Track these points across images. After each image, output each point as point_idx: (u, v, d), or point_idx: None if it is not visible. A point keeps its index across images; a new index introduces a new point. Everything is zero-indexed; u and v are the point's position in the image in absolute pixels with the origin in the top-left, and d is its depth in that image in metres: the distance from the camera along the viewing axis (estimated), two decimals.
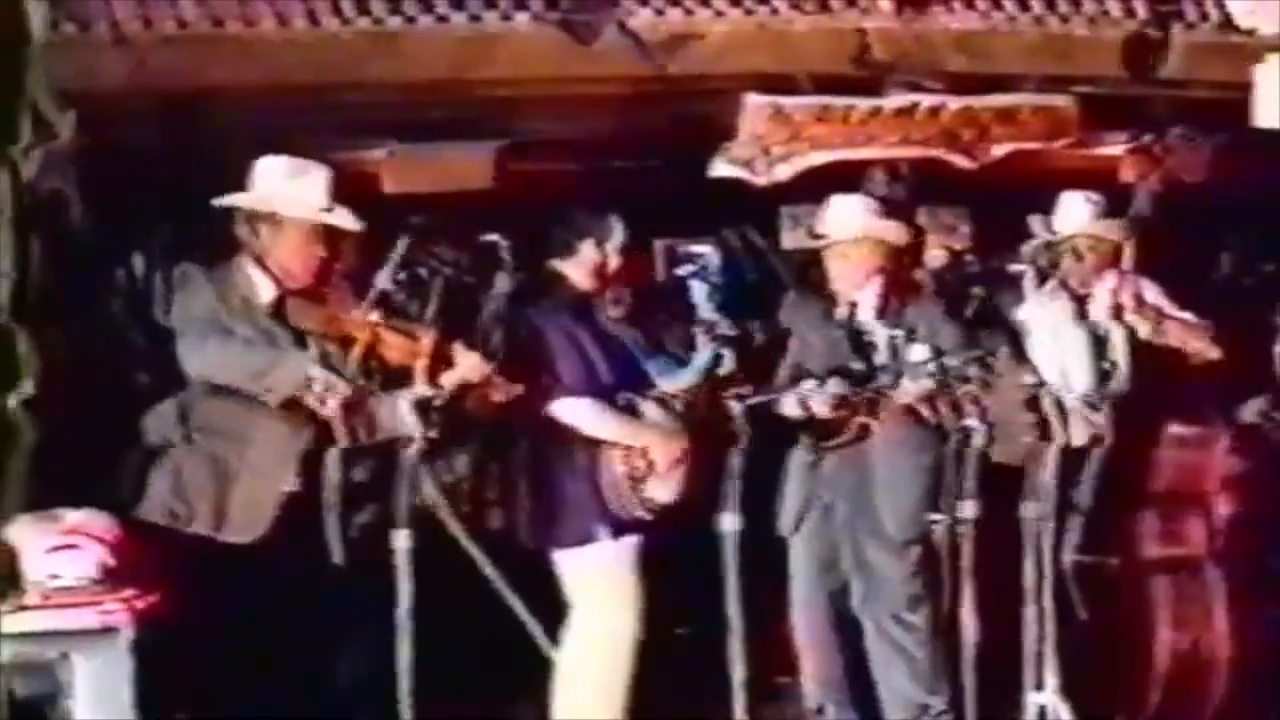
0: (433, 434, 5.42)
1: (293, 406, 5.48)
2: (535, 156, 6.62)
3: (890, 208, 6.45)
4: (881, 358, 6.04)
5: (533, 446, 5.84)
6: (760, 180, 6.72)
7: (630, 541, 5.73)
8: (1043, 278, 6.36)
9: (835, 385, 5.94)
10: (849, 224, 6.24)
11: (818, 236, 6.30)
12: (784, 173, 6.76)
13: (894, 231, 6.29)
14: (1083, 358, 6.21)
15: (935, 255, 6.77)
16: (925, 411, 5.95)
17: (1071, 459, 6.08)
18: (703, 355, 5.85)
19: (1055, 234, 6.37)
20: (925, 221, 6.84)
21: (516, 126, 6.54)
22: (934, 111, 6.70)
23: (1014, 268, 6.39)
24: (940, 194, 6.98)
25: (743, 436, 5.73)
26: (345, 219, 5.63)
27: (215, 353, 5.52)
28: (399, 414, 5.43)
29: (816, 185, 6.63)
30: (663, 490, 5.72)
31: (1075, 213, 6.43)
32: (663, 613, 5.79)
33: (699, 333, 6.01)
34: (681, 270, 6.87)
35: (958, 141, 6.74)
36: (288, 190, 5.60)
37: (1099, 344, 6.24)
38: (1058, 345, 6.22)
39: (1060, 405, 6.01)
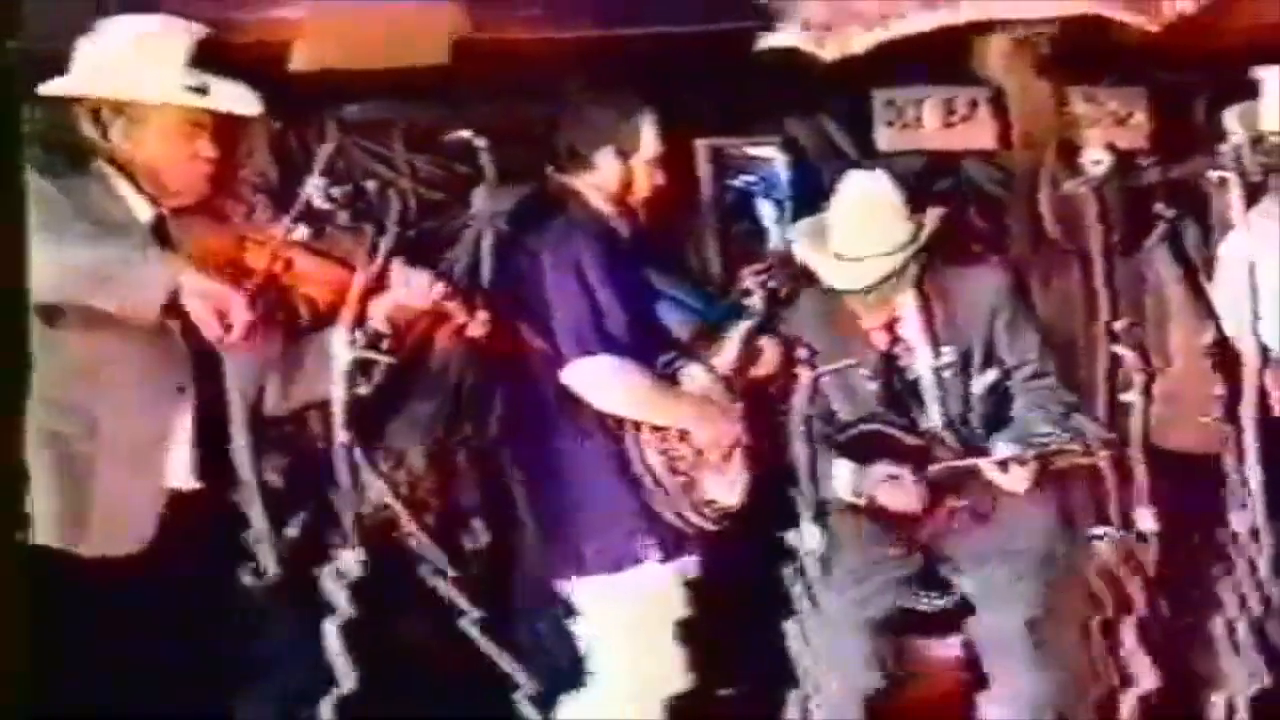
0: (363, 389, 4.50)
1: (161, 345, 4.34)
2: (521, 19, 5.36)
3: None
4: (934, 406, 5.02)
5: (533, 424, 4.80)
6: (827, 54, 5.35)
7: (687, 564, 4.73)
8: (1254, 191, 5.13)
9: (885, 467, 4.98)
10: (870, 245, 4.99)
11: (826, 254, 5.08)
12: (862, 44, 5.38)
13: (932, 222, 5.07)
14: None
15: (1097, 158, 5.41)
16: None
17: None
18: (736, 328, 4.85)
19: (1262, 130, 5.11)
20: (1083, 109, 5.52)
21: None
22: None
23: (1213, 174, 5.09)
24: (1103, 68, 5.60)
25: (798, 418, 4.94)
26: (231, 98, 4.41)
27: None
28: (328, 363, 4.48)
29: (903, 60, 5.39)
30: (724, 488, 4.72)
31: None
32: (704, 665, 4.80)
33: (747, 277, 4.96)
34: (740, 179, 5.63)
35: None
36: (135, 62, 4.39)
37: None
38: (1260, 284, 5.01)
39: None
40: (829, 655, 5.04)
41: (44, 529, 4.22)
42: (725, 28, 5.35)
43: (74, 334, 4.25)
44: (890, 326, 5.07)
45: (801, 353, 4.93)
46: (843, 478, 5.01)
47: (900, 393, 5.06)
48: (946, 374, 5.02)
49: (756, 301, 4.90)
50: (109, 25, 4.43)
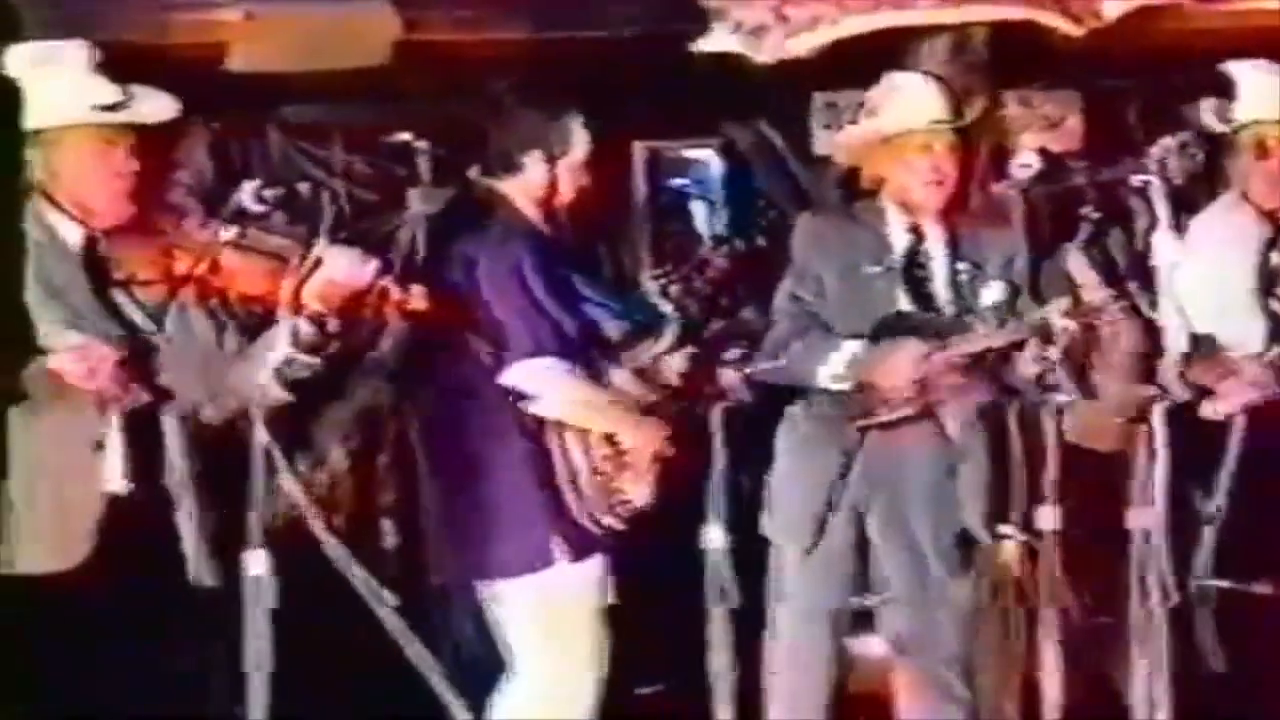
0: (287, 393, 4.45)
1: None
2: (457, 20, 5.42)
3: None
4: (943, 301, 5.05)
5: (448, 425, 4.78)
6: (763, 57, 5.43)
7: (596, 564, 4.75)
8: (1179, 195, 5.12)
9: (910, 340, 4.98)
10: (925, 107, 5.00)
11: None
12: (799, 47, 5.48)
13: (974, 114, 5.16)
14: (1253, 301, 5.04)
15: (1025, 161, 5.30)
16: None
17: (1197, 443, 5.00)
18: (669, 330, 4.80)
19: (1231, 122, 5.07)
20: (1015, 112, 5.66)
21: None
22: None
23: (1138, 178, 5.07)
24: (1034, 73, 5.68)
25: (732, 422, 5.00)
26: (150, 108, 4.39)
27: None
28: (252, 367, 4.43)
29: (843, 64, 5.49)
30: (638, 488, 4.75)
31: (1261, 89, 5.07)
32: (624, 665, 4.84)
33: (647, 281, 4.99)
34: (675, 182, 5.71)
35: None
36: (37, 86, 4.32)
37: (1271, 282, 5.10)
38: (1218, 283, 5.05)
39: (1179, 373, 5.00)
40: (793, 648, 5.10)
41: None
42: (660, 31, 5.40)
43: None
44: (916, 229, 5.09)
45: (731, 354, 4.97)
46: (844, 355, 5.00)
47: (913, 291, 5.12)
48: (961, 277, 5.08)
49: (668, 304, 4.92)
50: (16, 52, 4.32)
